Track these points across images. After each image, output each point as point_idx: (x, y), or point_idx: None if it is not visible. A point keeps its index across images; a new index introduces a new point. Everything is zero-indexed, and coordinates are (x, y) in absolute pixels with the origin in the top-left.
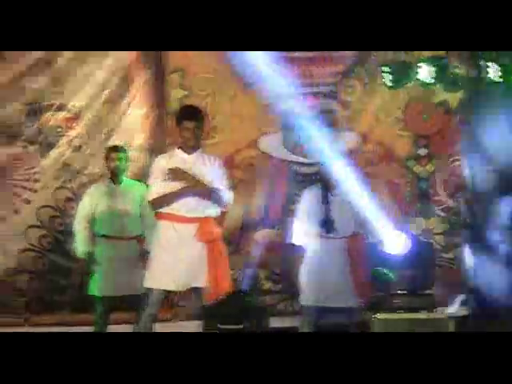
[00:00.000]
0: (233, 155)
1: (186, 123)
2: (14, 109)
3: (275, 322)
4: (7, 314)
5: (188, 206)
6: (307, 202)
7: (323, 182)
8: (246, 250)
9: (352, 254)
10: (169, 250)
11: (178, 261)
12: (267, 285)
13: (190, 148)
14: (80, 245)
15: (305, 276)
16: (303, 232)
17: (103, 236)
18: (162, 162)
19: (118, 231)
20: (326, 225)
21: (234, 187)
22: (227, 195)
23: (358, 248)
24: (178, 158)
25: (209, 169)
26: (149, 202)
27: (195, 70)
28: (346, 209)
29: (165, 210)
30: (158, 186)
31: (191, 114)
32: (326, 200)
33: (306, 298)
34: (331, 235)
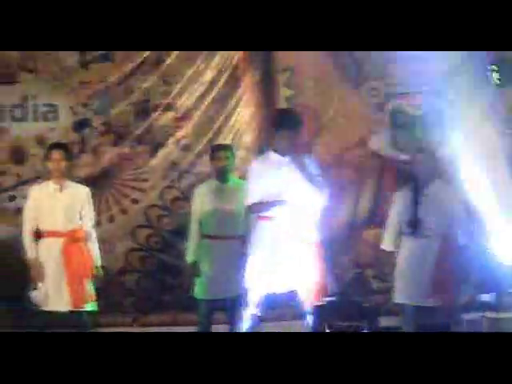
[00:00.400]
0: (341, 154)
1: (282, 132)
2: (123, 108)
3: (385, 321)
4: (116, 314)
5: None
6: (399, 203)
7: (414, 183)
8: (354, 250)
9: (441, 255)
10: (271, 251)
11: (280, 262)
12: (376, 284)
13: (284, 150)
14: (191, 247)
15: (398, 275)
16: (394, 234)
17: (208, 236)
18: (258, 165)
19: (223, 231)
20: (415, 225)
21: (341, 187)
22: (319, 197)
23: (448, 249)
24: (273, 160)
25: (304, 170)
26: (247, 206)
27: (304, 69)
28: (439, 209)
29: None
30: (255, 190)
31: (288, 121)
32: (415, 200)
33: (399, 296)
34: (421, 235)
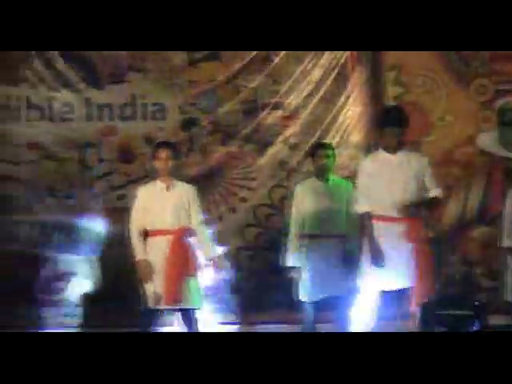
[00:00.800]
0: (450, 152)
1: (388, 129)
2: (231, 108)
3: (495, 320)
4: (223, 312)
5: (396, 206)
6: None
7: None
8: (462, 248)
9: None
10: (384, 250)
11: (387, 261)
12: (484, 282)
13: (393, 148)
14: (291, 250)
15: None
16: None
17: (309, 236)
18: (367, 164)
19: (324, 230)
20: None
21: (450, 185)
22: (436, 194)
23: None
24: (383, 158)
25: (415, 168)
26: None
27: (412, 67)
28: None
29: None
30: (365, 190)
31: (395, 119)
32: None
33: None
34: None
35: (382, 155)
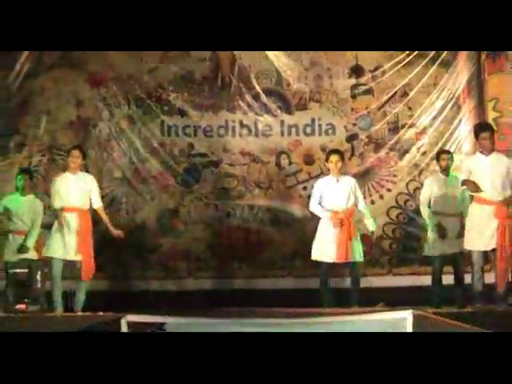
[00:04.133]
0: None
1: (482, 135)
2: (380, 127)
3: None
4: (375, 267)
5: (494, 190)
6: None
7: None
8: None
9: None
10: (479, 226)
11: (482, 235)
12: None
13: (487, 151)
14: (425, 214)
15: None
16: None
17: (436, 213)
18: (468, 162)
19: (447, 210)
20: None
21: None
22: None
23: None
24: (478, 159)
25: (500, 165)
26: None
27: (506, 98)
28: None
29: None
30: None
31: (485, 127)
32: None
33: None
34: None
35: (478, 156)
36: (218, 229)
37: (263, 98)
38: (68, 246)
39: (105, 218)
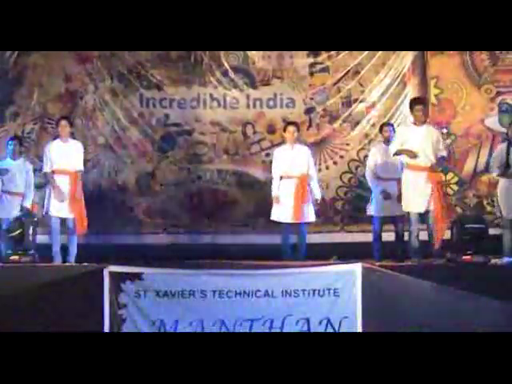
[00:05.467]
0: (469, 128)
1: (416, 107)
2: (335, 101)
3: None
4: (327, 224)
5: (425, 158)
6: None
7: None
8: (475, 187)
9: None
10: (415, 190)
11: (418, 198)
12: (489, 208)
13: (419, 122)
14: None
15: None
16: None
17: (378, 177)
18: (401, 132)
19: (389, 175)
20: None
21: (468, 149)
22: (444, 154)
23: None
24: (411, 129)
25: (431, 135)
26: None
27: (445, 77)
28: None
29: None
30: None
31: (418, 100)
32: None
33: None
34: None
35: (411, 126)
36: (190, 190)
37: (231, 74)
38: (62, 205)
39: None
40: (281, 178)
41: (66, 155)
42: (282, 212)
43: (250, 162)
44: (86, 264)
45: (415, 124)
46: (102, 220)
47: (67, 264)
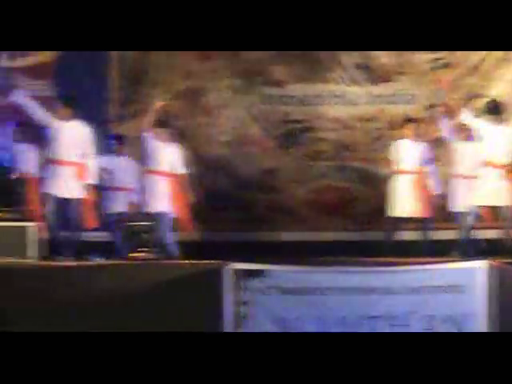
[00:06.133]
0: None
1: None
2: (455, 98)
3: None
4: None
5: None
6: None
7: None
8: None
9: None
10: None
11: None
12: None
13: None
14: None
15: None
16: None
17: None
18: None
19: None
20: None
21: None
22: None
23: None
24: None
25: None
26: None
27: None
28: None
29: None
30: None
31: None
32: None
33: None
34: None
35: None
36: (311, 187)
37: (352, 71)
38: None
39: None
40: (400, 173)
41: (166, 157)
42: (401, 207)
43: (371, 158)
44: (208, 261)
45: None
46: (225, 217)
47: (188, 261)
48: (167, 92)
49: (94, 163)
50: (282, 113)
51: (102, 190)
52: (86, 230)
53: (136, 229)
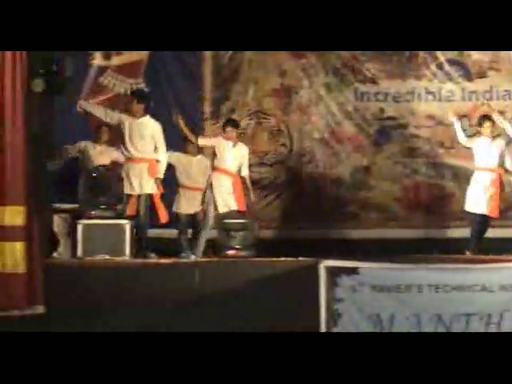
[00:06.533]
0: None
1: None
2: None
3: None
4: None
5: None
6: None
7: None
8: None
9: None
10: None
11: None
12: None
13: None
14: None
15: None
16: None
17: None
18: None
19: None
20: None
21: None
22: None
23: None
24: None
25: None
26: None
27: None
28: None
29: None
30: None
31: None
32: None
33: None
34: None
35: None
36: (405, 184)
37: (446, 67)
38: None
39: (249, 184)
40: (479, 169)
41: (233, 157)
42: (475, 203)
43: (466, 155)
44: (301, 258)
45: None
46: (317, 214)
47: (281, 259)
48: (261, 90)
49: (164, 159)
50: (376, 110)
51: (175, 187)
52: (158, 225)
53: (228, 226)
